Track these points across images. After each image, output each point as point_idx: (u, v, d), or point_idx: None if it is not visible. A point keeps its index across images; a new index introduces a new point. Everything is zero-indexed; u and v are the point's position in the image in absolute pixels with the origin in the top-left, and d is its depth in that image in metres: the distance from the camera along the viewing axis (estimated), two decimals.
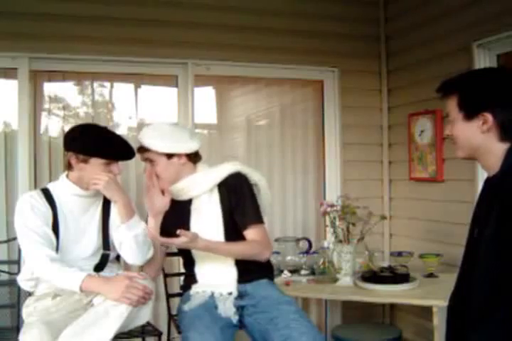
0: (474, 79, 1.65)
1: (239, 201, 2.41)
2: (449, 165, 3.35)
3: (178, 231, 2.15)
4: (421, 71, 3.53)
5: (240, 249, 2.36)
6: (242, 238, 2.40)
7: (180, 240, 2.17)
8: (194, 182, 2.42)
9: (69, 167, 2.29)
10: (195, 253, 2.42)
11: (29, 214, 2.20)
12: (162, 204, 2.39)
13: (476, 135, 1.61)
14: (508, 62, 3.01)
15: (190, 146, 2.43)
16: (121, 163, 2.35)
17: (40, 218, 2.20)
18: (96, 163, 2.25)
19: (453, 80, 1.68)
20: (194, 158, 2.47)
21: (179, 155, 2.41)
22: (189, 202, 2.45)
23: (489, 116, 1.58)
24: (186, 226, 2.39)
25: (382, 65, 3.92)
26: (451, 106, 1.66)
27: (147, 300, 2.11)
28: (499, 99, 1.59)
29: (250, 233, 2.39)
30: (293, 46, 3.67)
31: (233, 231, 2.39)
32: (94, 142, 2.27)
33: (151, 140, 2.39)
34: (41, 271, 2.15)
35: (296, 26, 3.69)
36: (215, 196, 2.42)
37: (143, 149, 2.42)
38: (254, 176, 2.51)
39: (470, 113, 1.61)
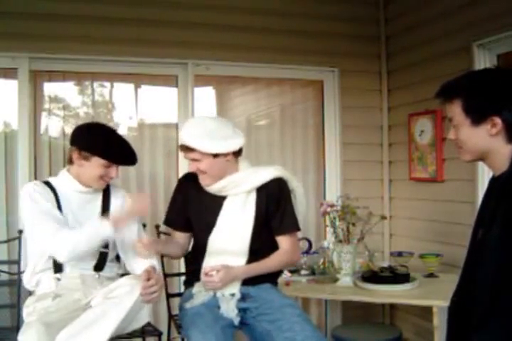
0: (477, 83, 1.62)
1: (278, 207, 2.43)
2: (449, 165, 3.35)
3: (208, 271, 2.25)
4: (421, 71, 3.53)
5: (275, 263, 2.43)
6: (266, 241, 2.43)
7: (219, 277, 2.24)
8: (236, 182, 2.41)
9: (70, 161, 2.31)
10: (209, 249, 2.42)
11: (38, 197, 2.20)
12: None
13: (484, 139, 1.59)
14: (508, 62, 3.00)
15: (237, 142, 2.38)
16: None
17: (49, 202, 2.21)
18: (96, 163, 2.26)
19: (454, 84, 1.65)
20: (238, 153, 2.44)
21: (226, 154, 2.37)
22: (223, 197, 2.45)
23: (498, 120, 1.56)
24: (214, 219, 2.41)
25: (382, 65, 3.92)
26: (456, 111, 1.63)
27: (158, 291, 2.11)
28: (506, 101, 1.57)
29: (284, 240, 2.44)
30: (293, 46, 3.68)
31: (259, 235, 2.40)
32: (100, 142, 2.27)
33: (197, 140, 2.30)
34: (65, 242, 2.12)
35: (296, 26, 3.69)
36: (252, 197, 2.42)
37: (189, 149, 2.33)
38: (293, 182, 2.52)
39: (478, 118, 1.59)
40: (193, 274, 2.49)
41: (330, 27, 3.76)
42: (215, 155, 2.34)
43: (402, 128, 3.74)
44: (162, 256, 2.81)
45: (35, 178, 3.26)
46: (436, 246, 3.34)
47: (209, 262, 2.39)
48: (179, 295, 2.82)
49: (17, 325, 2.60)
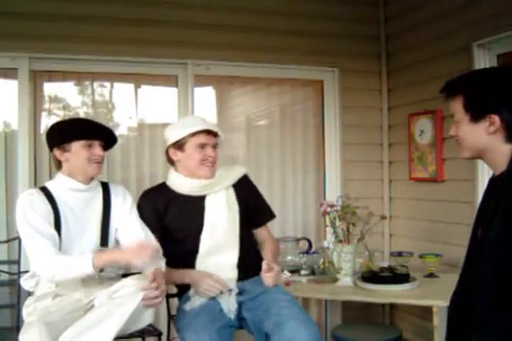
0: (480, 80, 1.63)
1: (256, 199, 2.67)
2: (449, 165, 3.35)
3: (268, 267, 2.31)
4: (421, 71, 3.53)
5: (277, 249, 2.71)
6: (248, 233, 2.58)
7: (273, 274, 2.34)
8: (218, 179, 2.53)
9: (58, 163, 2.36)
10: (202, 249, 2.45)
11: (30, 212, 2.21)
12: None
13: (482, 136, 1.60)
14: (508, 62, 3.01)
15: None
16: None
17: (41, 216, 2.21)
18: (77, 148, 2.30)
19: (457, 81, 1.67)
20: None
21: None
22: (202, 197, 2.51)
23: (496, 118, 1.57)
24: (201, 221, 2.47)
25: (382, 65, 3.92)
26: (457, 107, 1.64)
27: (159, 294, 2.11)
28: (506, 100, 1.57)
29: (265, 230, 2.70)
30: (293, 46, 3.68)
31: (245, 226, 2.54)
32: (67, 127, 2.38)
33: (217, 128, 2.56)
34: (47, 267, 2.13)
35: (296, 26, 3.69)
36: (232, 193, 2.55)
37: (214, 135, 2.52)
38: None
39: (476, 115, 1.60)
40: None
41: (330, 27, 3.76)
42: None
43: (402, 128, 3.74)
44: None
45: (35, 178, 3.27)
46: (436, 246, 3.34)
47: (203, 261, 2.44)
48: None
49: (17, 325, 2.60)
